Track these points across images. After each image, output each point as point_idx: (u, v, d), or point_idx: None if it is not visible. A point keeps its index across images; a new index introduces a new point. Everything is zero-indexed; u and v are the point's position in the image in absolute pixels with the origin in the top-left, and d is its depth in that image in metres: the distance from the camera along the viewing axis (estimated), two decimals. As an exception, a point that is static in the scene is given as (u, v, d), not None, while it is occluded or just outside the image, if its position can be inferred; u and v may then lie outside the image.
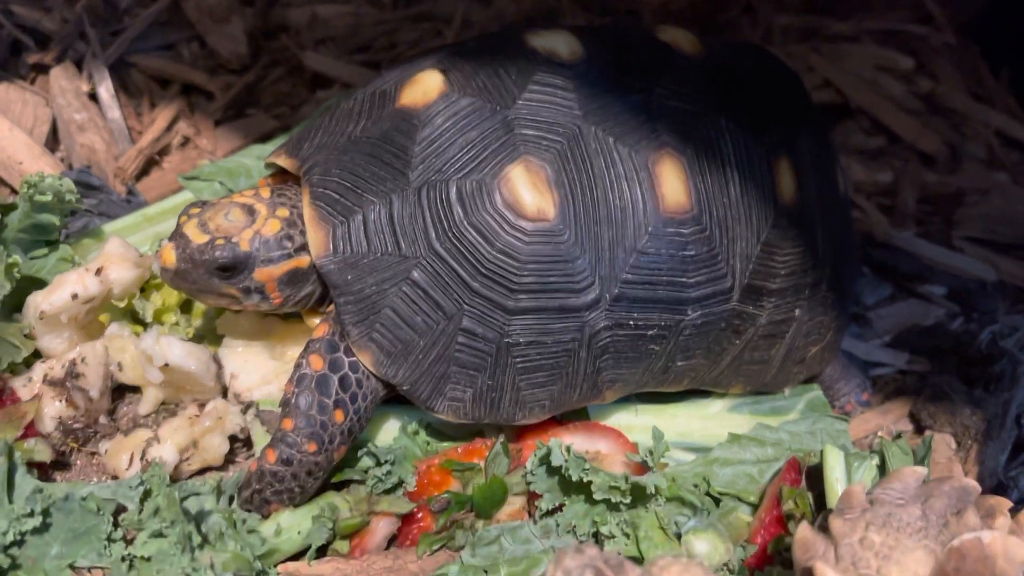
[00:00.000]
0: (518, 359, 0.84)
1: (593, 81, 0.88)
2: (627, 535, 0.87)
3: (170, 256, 0.81)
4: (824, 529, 0.74)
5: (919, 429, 1.15)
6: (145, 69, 1.38)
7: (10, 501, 0.74)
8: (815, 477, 0.93)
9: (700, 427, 1.02)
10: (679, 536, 0.88)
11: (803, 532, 0.73)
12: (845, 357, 1.15)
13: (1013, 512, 0.81)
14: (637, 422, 1.01)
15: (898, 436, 0.99)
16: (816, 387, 1.08)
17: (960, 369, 1.21)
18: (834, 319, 1.04)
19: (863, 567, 0.70)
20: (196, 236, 0.80)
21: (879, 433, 1.14)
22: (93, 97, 1.30)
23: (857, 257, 1.12)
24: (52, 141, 1.24)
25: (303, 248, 0.83)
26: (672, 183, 0.86)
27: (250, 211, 0.83)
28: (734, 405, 1.04)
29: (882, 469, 0.92)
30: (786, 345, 0.99)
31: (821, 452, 0.92)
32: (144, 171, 1.23)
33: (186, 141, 1.30)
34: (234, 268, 0.81)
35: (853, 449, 1.00)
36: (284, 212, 0.84)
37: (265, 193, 0.86)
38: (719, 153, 0.89)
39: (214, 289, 0.83)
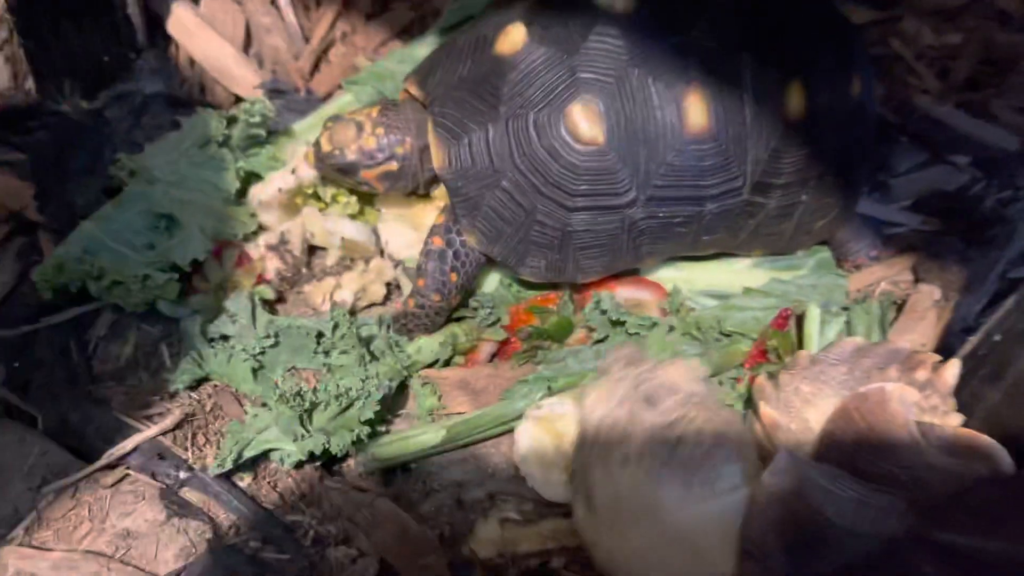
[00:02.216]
0: (576, 241, 1.17)
1: (640, 30, 1.13)
2: (649, 357, 1.22)
3: (311, 157, 1.22)
4: (774, 379, 1.06)
5: (917, 281, 1.41)
6: (310, -30, 1.69)
7: (255, 327, 1.17)
8: (801, 324, 1.24)
9: (727, 279, 1.33)
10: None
11: (760, 380, 1.05)
12: (859, 219, 1.38)
13: (937, 366, 1.09)
14: (678, 275, 1.32)
15: (864, 299, 1.26)
16: (826, 249, 1.35)
17: (965, 230, 1.43)
18: (839, 199, 1.29)
19: (791, 408, 1.02)
20: (325, 145, 1.19)
21: (882, 284, 1.41)
22: (273, 2, 1.63)
23: (870, 148, 1.33)
24: (247, 43, 1.59)
25: (392, 157, 1.18)
26: (696, 112, 1.12)
27: (359, 128, 1.17)
28: (756, 263, 1.33)
29: (848, 325, 1.21)
30: (795, 221, 1.27)
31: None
32: (315, 67, 1.57)
33: (344, 36, 1.62)
34: (346, 169, 1.18)
35: (845, 301, 1.29)
36: (380, 130, 1.18)
37: (374, 113, 1.20)
38: (738, 83, 1.14)
39: (341, 180, 1.21)
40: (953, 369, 1.05)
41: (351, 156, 1.19)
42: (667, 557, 0.85)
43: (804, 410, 1.00)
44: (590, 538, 0.93)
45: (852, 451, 0.93)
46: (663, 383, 0.98)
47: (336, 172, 1.21)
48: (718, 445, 0.92)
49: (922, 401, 1.04)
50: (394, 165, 1.21)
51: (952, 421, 1.04)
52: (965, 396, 1.09)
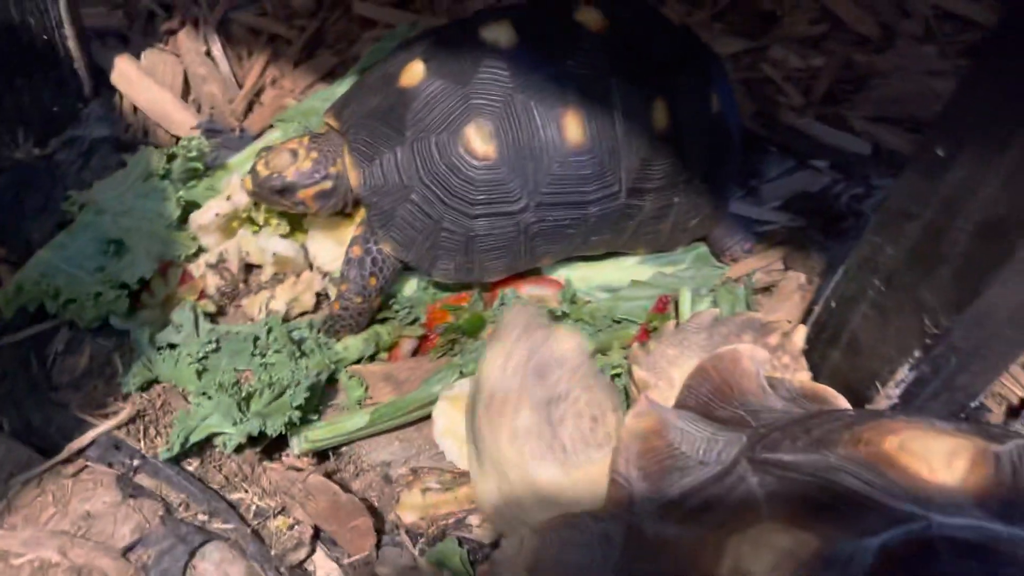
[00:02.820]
0: (480, 245, 1.33)
1: (523, 61, 1.30)
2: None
3: (248, 184, 1.34)
4: (645, 347, 1.22)
5: (786, 269, 1.59)
6: (242, 24, 1.84)
7: (198, 335, 1.31)
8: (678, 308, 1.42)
9: (617, 275, 1.50)
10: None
11: (635, 348, 1.22)
12: (732, 218, 1.56)
13: (788, 332, 1.27)
14: (575, 273, 1.49)
15: (735, 281, 1.45)
16: (702, 245, 1.52)
17: (825, 224, 1.62)
18: (709, 200, 1.47)
19: (659, 369, 1.18)
20: (262, 171, 1.31)
21: (756, 273, 1.59)
22: (208, 54, 1.78)
23: (735, 155, 1.52)
24: (185, 91, 1.74)
25: (326, 177, 1.32)
26: (573, 129, 1.30)
27: (294, 154, 1.32)
28: (642, 260, 1.50)
29: (715, 304, 1.39)
30: (671, 221, 1.44)
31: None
32: (248, 109, 1.73)
33: (274, 81, 1.78)
34: (285, 190, 1.32)
35: (718, 287, 1.46)
36: (315, 155, 1.32)
37: (305, 140, 1.34)
38: (609, 103, 1.32)
39: (277, 202, 1.35)
40: (801, 333, 1.22)
41: (290, 177, 1.32)
42: (537, 510, 0.97)
43: (669, 370, 1.17)
44: (474, 472, 1.05)
45: (707, 400, 1.09)
46: (554, 356, 1.11)
47: (275, 194, 1.34)
48: (594, 428, 1.04)
49: (773, 360, 1.21)
50: (328, 184, 1.35)
51: (801, 376, 1.21)
52: (815, 359, 1.27)
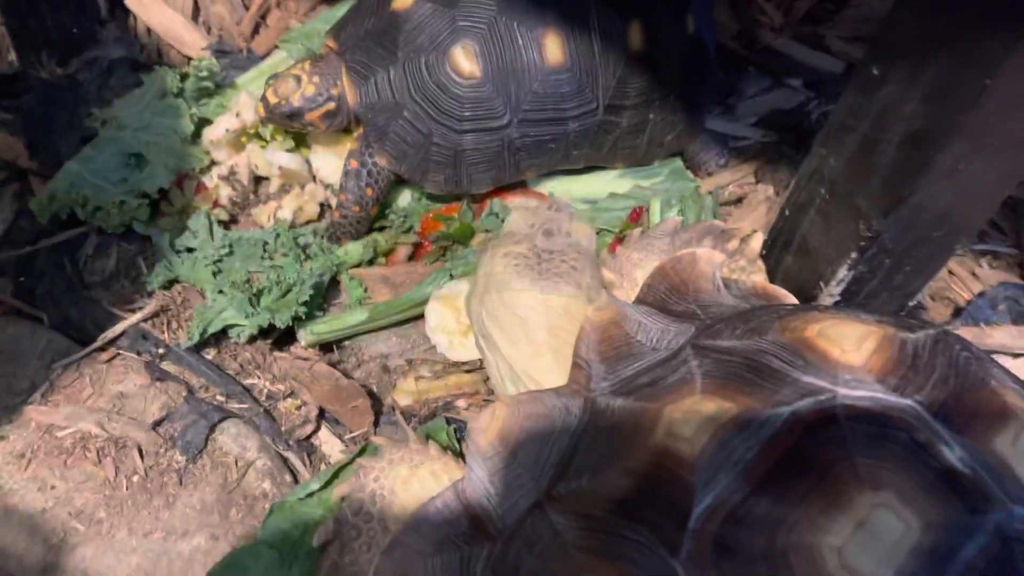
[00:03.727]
0: (468, 158, 1.43)
1: (506, -15, 1.39)
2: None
3: (260, 109, 1.43)
4: (613, 251, 1.33)
5: (757, 183, 1.69)
6: (247, -54, 1.91)
7: (212, 240, 1.43)
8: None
9: (598, 188, 1.60)
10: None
11: (603, 252, 1.33)
12: (707, 134, 1.65)
13: (746, 238, 1.37)
14: (559, 186, 1.59)
15: (697, 188, 1.55)
16: (678, 160, 1.62)
17: (796, 140, 1.71)
18: (684, 117, 1.56)
19: (624, 271, 1.29)
20: (271, 98, 1.41)
21: (729, 186, 1.69)
22: (216, -25, 1.86)
23: (711, 74, 1.60)
24: (195, 12, 1.82)
25: (329, 99, 1.42)
26: (553, 49, 1.38)
27: (298, 80, 1.41)
28: (621, 174, 1.60)
29: (682, 213, 1.49)
30: (648, 137, 1.54)
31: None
32: (255, 30, 1.81)
33: (279, 3, 1.85)
34: (293, 115, 1.42)
35: (687, 198, 1.56)
36: (316, 78, 1.41)
37: (307, 66, 1.43)
38: (587, 25, 1.40)
39: (289, 125, 1.45)
40: (757, 239, 1.32)
41: (297, 103, 1.43)
42: (504, 319, 1.09)
43: (634, 272, 1.28)
44: (467, 305, 1.18)
45: (664, 296, 1.20)
46: (566, 229, 1.20)
47: (285, 119, 1.45)
48: (569, 274, 1.16)
49: (731, 263, 1.32)
50: (332, 105, 1.45)
51: (756, 278, 1.32)
52: (772, 263, 1.38)
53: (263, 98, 1.43)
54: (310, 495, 1.09)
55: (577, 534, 0.89)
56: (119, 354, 1.30)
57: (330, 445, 1.27)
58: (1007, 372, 0.95)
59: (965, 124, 0.97)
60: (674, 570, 0.81)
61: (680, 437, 0.87)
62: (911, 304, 1.35)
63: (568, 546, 0.89)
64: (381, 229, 1.52)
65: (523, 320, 1.07)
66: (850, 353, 0.92)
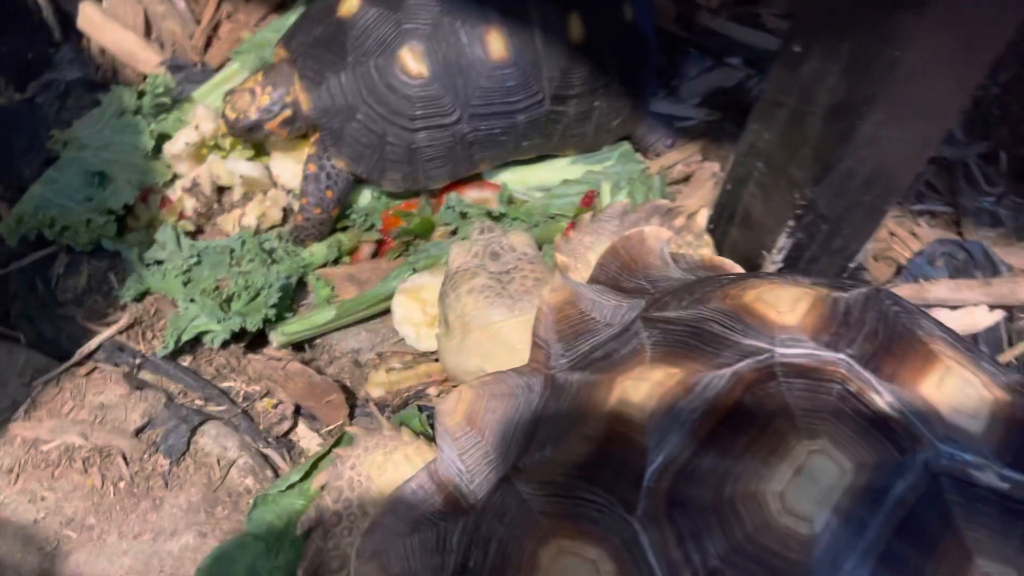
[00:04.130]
0: (422, 155, 1.48)
1: (447, -14, 1.43)
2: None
3: (222, 126, 1.47)
4: (566, 235, 1.39)
5: (703, 160, 1.75)
6: (194, -38, 1.94)
7: (180, 251, 1.47)
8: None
9: (551, 176, 1.65)
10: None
11: (558, 238, 1.38)
12: (653, 117, 1.71)
13: (692, 215, 1.43)
14: (513, 177, 1.65)
15: (645, 169, 1.61)
16: (626, 143, 1.68)
17: (739, 117, 1.77)
18: (628, 102, 1.61)
19: (577, 254, 1.35)
20: (230, 114, 1.46)
21: (678, 165, 1.75)
22: (166, -8, 1.89)
23: (652, 59, 1.65)
24: (147, 30, 1.85)
25: (285, 107, 1.47)
26: (497, 45, 1.43)
27: (253, 93, 1.46)
28: (573, 161, 1.65)
29: (631, 195, 1.55)
30: (595, 123, 1.59)
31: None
32: (207, 44, 1.84)
33: (229, 15, 1.89)
34: (253, 126, 1.46)
35: (635, 179, 1.62)
36: (270, 88, 1.46)
37: (259, 78, 1.48)
38: (527, 20, 1.45)
39: (252, 136, 1.49)
40: (702, 215, 1.39)
41: (254, 115, 1.47)
42: (493, 352, 1.16)
43: (587, 254, 1.34)
44: (442, 344, 1.24)
45: (616, 275, 1.26)
46: (507, 245, 1.27)
47: (247, 132, 1.50)
48: (535, 287, 1.23)
49: (678, 239, 1.38)
50: (288, 112, 1.49)
51: (703, 251, 1.39)
52: (719, 236, 1.45)
53: (223, 115, 1.48)
54: (291, 487, 1.14)
55: (542, 501, 0.94)
56: (97, 367, 1.33)
57: (308, 440, 1.31)
58: (936, 323, 1.01)
59: (881, 94, 1.03)
60: (632, 526, 0.87)
61: (631, 403, 0.93)
62: (852, 266, 1.42)
63: (534, 512, 0.94)
64: (344, 229, 1.57)
65: (510, 347, 1.13)
66: (785, 314, 0.98)
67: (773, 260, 1.32)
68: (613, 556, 0.86)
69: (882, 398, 0.88)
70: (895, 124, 1.07)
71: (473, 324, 1.17)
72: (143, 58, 1.75)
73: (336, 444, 1.18)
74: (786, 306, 1.00)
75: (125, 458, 1.22)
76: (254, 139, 1.53)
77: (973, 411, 0.91)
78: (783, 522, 0.81)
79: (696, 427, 0.88)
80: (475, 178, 1.61)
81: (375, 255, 1.57)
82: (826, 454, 0.84)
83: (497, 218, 1.53)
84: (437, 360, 1.43)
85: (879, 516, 0.82)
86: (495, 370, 1.14)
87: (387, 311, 1.47)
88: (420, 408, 1.33)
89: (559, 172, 1.65)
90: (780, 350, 0.94)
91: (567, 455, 0.95)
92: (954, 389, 0.92)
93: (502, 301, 1.18)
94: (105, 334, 1.37)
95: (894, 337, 0.96)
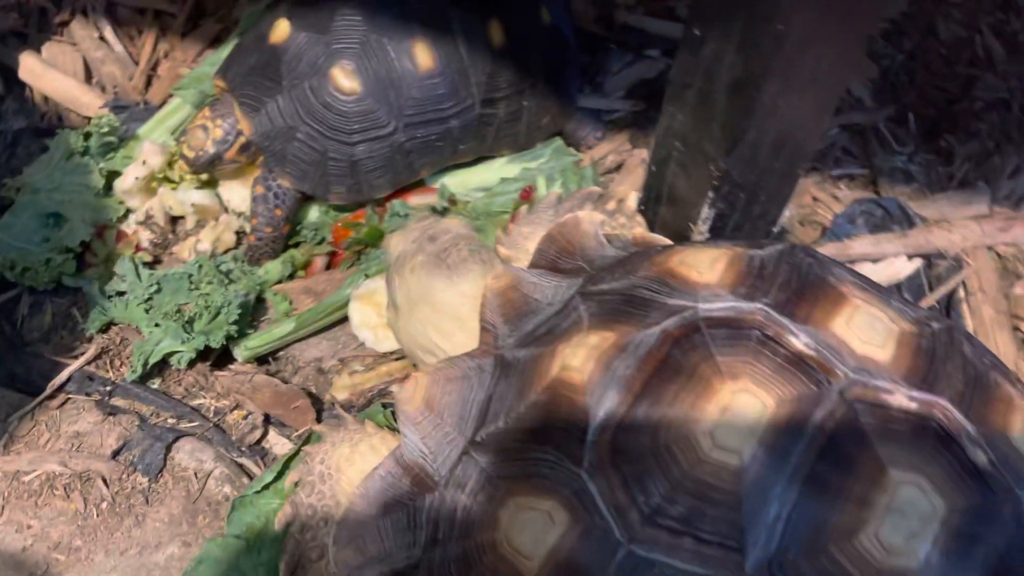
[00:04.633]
0: (363, 167, 1.55)
1: (371, 5, 1.51)
2: (444, 242, 1.61)
3: (183, 165, 1.54)
4: (506, 228, 1.46)
5: (632, 148, 1.84)
6: (127, 6, 1.99)
7: (140, 280, 1.52)
8: (541, 193, 1.66)
9: (491, 176, 1.72)
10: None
11: (498, 231, 1.46)
12: (581, 112, 1.79)
13: (622, 199, 1.52)
14: (455, 180, 1.72)
15: (578, 162, 1.69)
16: (558, 139, 1.76)
17: (662, 105, 1.86)
18: (555, 100, 1.70)
19: (518, 245, 1.42)
20: (188, 153, 1.52)
21: (609, 156, 1.83)
22: (102, 38, 1.94)
23: (574, 57, 1.74)
24: (88, 75, 1.90)
25: (239, 134, 1.53)
26: (423, 56, 1.51)
27: (204, 128, 1.52)
28: (509, 160, 1.73)
29: (564, 186, 1.63)
30: (525, 122, 1.67)
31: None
32: (148, 83, 1.90)
33: (167, 54, 1.94)
34: (213, 160, 1.53)
35: (567, 171, 1.70)
36: (219, 120, 1.52)
37: (207, 112, 1.54)
38: (450, 30, 1.53)
39: (215, 169, 1.56)
40: (632, 197, 1.47)
41: (212, 149, 1.54)
42: (440, 322, 1.22)
43: (527, 244, 1.41)
44: (395, 326, 1.30)
45: (554, 258, 1.33)
46: (444, 228, 1.33)
47: (209, 166, 1.56)
48: (472, 256, 1.29)
49: (612, 222, 1.46)
50: (243, 138, 1.56)
51: (636, 231, 1.47)
52: (650, 216, 1.53)
53: (182, 156, 1.54)
54: (266, 487, 1.20)
55: (498, 467, 1.01)
56: (69, 398, 1.38)
57: (280, 445, 1.37)
58: (849, 270, 1.10)
59: (773, 67, 1.12)
60: (580, 477, 0.94)
61: (571, 368, 1.00)
62: (775, 231, 1.51)
63: (492, 478, 1.01)
64: (296, 245, 1.63)
65: (458, 317, 1.19)
66: (705, 274, 1.06)
67: (700, 232, 1.41)
68: (565, 505, 0.93)
69: (798, 339, 0.97)
70: (790, 94, 1.16)
71: (418, 297, 1.23)
72: (86, 102, 1.81)
73: (305, 443, 1.24)
74: (706, 266, 1.08)
75: (105, 480, 1.27)
76: (215, 171, 1.59)
77: (881, 342, 0.99)
78: (715, 457, 0.89)
79: (631, 382, 0.95)
80: (418, 184, 1.68)
81: (329, 267, 1.64)
82: (749, 392, 0.92)
83: (441, 213, 1.60)
84: (398, 359, 1.50)
85: (801, 443, 0.91)
86: (446, 340, 1.21)
87: (345, 319, 1.54)
88: (384, 405, 1.39)
89: (497, 171, 1.72)
90: (702, 306, 1.02)
91: (518, 423, 1.02)
92: (863, 324, 1.00)
93: (441, 271, 1.24)
94: (74, 366, 1.41)
95: (807, 285, 1.05)
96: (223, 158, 1.54)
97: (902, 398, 0.93)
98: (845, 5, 1.05)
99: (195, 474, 1.29)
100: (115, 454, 1.30)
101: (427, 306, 1.21)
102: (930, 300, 1.63)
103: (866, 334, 0.99)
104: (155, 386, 1.43)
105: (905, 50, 2.01)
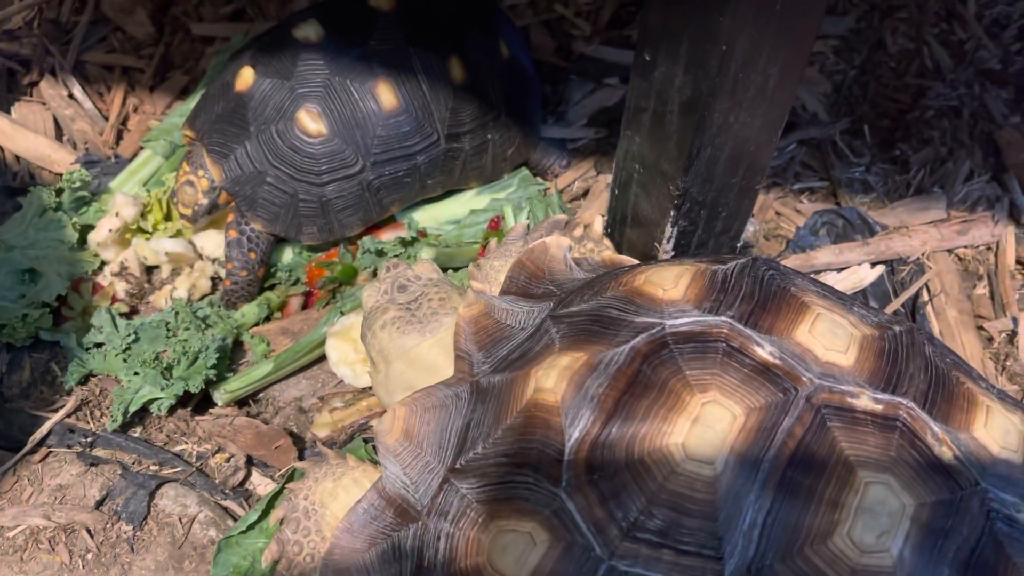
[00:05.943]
0: (333, 207, 1.56)
1: (332, 49, 1.53)
2: (417, 275, 1.62)
3: (187, 224, 1.58)
4: (478, 263, 1.48)
5: (597, 175, 1.86)
6: (95, 63, 2.00)
7: (117, 330, 1.51)
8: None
9: (460, 209, 1.74)
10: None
11: (471, 267, 1.47)
12: (545, 142, 1.82)
13: (589, 224, 1.53)
14: (425, 215, 1.73)
15: (545, 190, 1.71)
16: (525, 169, 1.78)
17: (623, 131, 1.89)
18: (519, 131, 1.72)
19: (490, 278, 1.43)
20: (184, 211, 1.54)
21: (576, 182, 1.86)
22: (71, 96, 1.95)
23: (535, 88, 1.77)
24: (58, 133, 1.91)
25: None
26: (386, 96, 1.53)
27: (191, 183, 1.53)
28: (478, 192, 1.75)
29: (532, 214, 1.65)
30: (491, 155, 1.69)
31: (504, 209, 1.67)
32: (118, 136, 1.91)
33: (136, 108, 1.95)
34: (211, 209, 1.54)
35: (534, 200, 1.72)
36: (201, 171, 1.54)
37: (186, 167, 1.55)
38: (412, 68, 1.55)
39: (211, 216, 1.59)
40: (598, 221, 1.49)
41: (205, 200, 1.55)
42: (415, 377, 1.24)
43: (498, 277, 1.42)
44: (374, 383, 1.31)
45: (525, 284, 1.35)
46: (413, 275, 1.36)
47: (207, 216, 1.58)
48: (442, 306, 1.31)
49: (580, 247, 1.48)
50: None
51: (604, 254, 1.48)
52: (616, 238, 1.55)
53: (181, 216, 1.56)
54: (251, 527, 1.19)
55: (479, 492, 1.02)
56: (51, 451, 1.37)
57: (263, 486, 1.36)
58: (811, 280, 1.12)
59: (720, 85, 1.15)
60: (559, 496, 0.94)
61: (545, 389, 1.01)
62: (739, 245, 1.53)
63: (473, 503, 1.01)
64: (272, 287, 1.63)
65: (431, 367, 1.20)
66: (671, 291, 1.07)
67: (665, 250, 1.43)
68: (545, 526, 0.93)
69: (763, 348, 0.98)
70: (740, 110, 1.19)
71: (392, 355, 1.24)
72: (57, 159, 1.81)
73: (288, 480, 1.23)
74: (670, 283, 1.09)
75: (89, 531, 1.25)
76: (214, 217, 1.61)
77: (843, 348, 1.01)
78: (688, 468, 0.90)
79: (604, 400, 0.96)
80: (388, 221, 1.70)
81: (304, 307, 1.64)
82: (717, 403, 0.93)
83: (411, 243, 1.61)
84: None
85: (772, 450, 0.92)
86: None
87: (323, 357, 1.54)
88: (365, 440, 1.39)
89: (466, 204, 1.74)
90: (669, 322, 1.04)
91: (496, 447, 1.02)
92: (825, 331, 1.02)
93: (412, 327, 1.25)
94: (54, 419, 1.40)
95: (769, 296, 1.06)
96: (219, 204, 1.57)
97: (867, 400, 0.95)
98: (782, 26, 1.08)
99: (179, 519, 1.28)
100: (99, 504, 1.29)
101: (401, 362, 1.22)
102: (895, 305, 1.65)
103: (829, 340, 1.01)
104: (136, 434, 1.42)
105: (856, 65, 2.06)
